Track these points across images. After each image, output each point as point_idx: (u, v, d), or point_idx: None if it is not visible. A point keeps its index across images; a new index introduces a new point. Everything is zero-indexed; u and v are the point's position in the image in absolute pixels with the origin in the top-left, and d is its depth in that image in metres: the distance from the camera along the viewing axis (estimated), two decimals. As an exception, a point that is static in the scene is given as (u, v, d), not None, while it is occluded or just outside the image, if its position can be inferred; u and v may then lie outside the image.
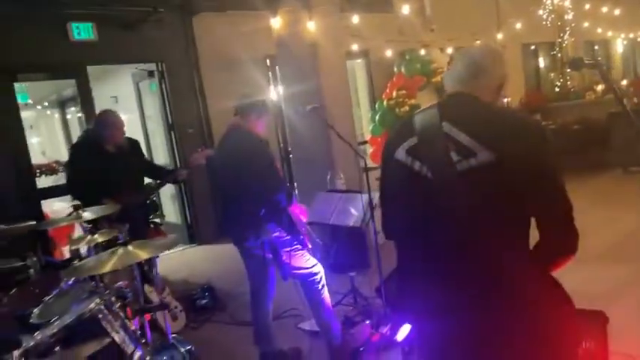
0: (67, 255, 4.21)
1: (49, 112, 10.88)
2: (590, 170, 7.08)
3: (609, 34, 13.28)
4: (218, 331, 3.82)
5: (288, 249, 2.78)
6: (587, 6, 10.55)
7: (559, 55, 10.58)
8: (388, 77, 8.30)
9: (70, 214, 2.66)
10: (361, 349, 3.04)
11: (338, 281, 3.82)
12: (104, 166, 3.56)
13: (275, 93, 6.99)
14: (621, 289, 3.26)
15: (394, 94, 8.05)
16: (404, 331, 3.03)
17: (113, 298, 2.01)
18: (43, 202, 5.45)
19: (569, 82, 10.25)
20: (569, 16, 10.13)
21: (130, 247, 1.93)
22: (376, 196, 3.53)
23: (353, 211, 3.52)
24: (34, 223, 3.07)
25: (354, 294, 3.73)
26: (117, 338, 1.87)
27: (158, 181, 4.03)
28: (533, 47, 12.01)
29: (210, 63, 6.52)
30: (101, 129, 3.67)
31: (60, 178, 6.57)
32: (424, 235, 1.45)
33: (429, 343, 1.59)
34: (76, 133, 11.09)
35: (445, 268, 1.40)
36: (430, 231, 1.43)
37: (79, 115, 10.49)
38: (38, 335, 1.81)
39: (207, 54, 6.52)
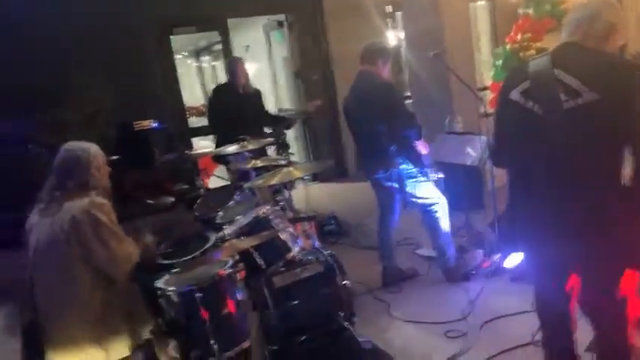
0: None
1: (188, 61, 12.07)
2: None
3: None
4: (343, 252, 4.37)
5: (413, 180, 3.20)
6: None
7: None
8: (512, 21, 7.98)
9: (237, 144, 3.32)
10: (472, 272, 3.41)
11: (453, 216, 4.15)
12: (234, 107, 4.27)
13: (395, 39, 7.19)
14: None
15: (519, 37, 7.76)
16: (513, 259, 3.34)
17: (277, 207, 2.60)
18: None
19: None
20: None
21: (290, 168, 2.48)
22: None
23: (471, 151, 3.78)
24: (212, 150, 3.79)
25: (468, 228, 4.05)
26: (282, 235, 2.46)
27: (274, 129, 4.63)
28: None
29: (334, 12, 6.86)
30: (231, 73, 4.38)
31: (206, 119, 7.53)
32: (533, 165, 1.74)
33: (537, 265, 1.89)
34: (209, 80, 12.26)
35: (552, 191, 1.69)
36: (538, 161, 1.72)
37: (214, 63, 11.54)
38: (228, 229, 2.46)
39: (332, 3, 6.86)
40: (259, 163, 3.13)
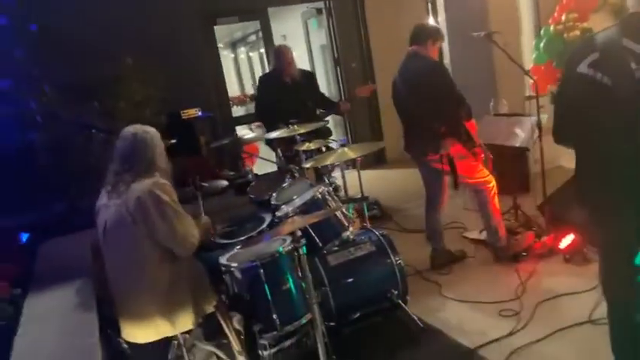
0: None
1: (225, 52, 12.25)
2: None
3: None
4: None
5: (464, 160, 3.19)
6: None
7: None
8: (555, 2, 7.76)
9: (287, 128, 3.40)
10: (524, 253, 3.39)
11: (500, 200, 4.13)
12: (280, 96, 4.31)
13: (434, 23, 7.11)
14: None
15: (563, 17, 7.54)
16: (566, 240, 3.31)
17: (331, 188, 2.66)
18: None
19: None
20: None
21: (345, 149, 2.54)
22: (543, 118, 3.71)
23: (519, 132, 3.73)
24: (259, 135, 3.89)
25: (515, 210, 4.01)
26: (338, 214, 2.52)
27: (323, 111, 4.66)
28: None
29: (374, -1, 6.84)
30: (278, 63, 4.40)
31: (249, 108, 7.67)
32: (604, 138, 1.73)
33: (607, 236, 1.88)
34: (245, 70, 12.40)
35: (624, 160, 1.68)
36: (611, 132, 1.71)
37: (250, 54, 11.67)
38: (285, 208, 2.53)
39: (371, -12, 6.84)
40: (312, 145, 3.20)
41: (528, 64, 8.16)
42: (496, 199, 3.37)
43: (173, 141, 3.18)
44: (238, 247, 2.49)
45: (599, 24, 7.88)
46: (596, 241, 2.42)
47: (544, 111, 3.80)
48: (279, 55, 4.46)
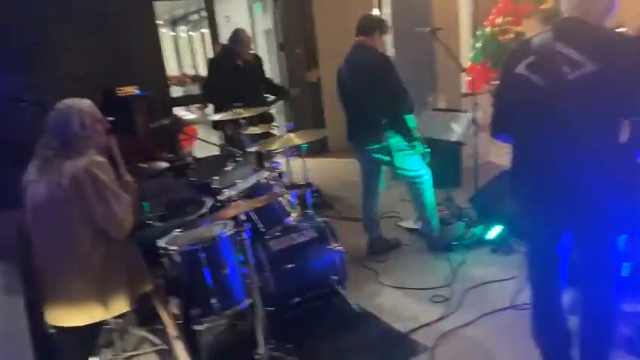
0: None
1: (164, 30, 11.79)
2: None
3: None
4: (328, 223, 4.51)
5: (402, 152, 3.29)
6: None
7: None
8: (493, 4, 8.12)
9: (233, 112, 3.34)
10: (455, 242, 3.56)
11: (435, 192, 4.29)
12: (233, 78, 4.24)
13: (379, 14, 7.22)
14: None
15: (498, 20, 7.91)
16: (494, 231, 3.51)
17: (275, 173, 2.66)
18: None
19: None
20: None
21: (292, 135, 2.53)
22: (478, 115, 3.89)
23: (456, 127, 3.89)
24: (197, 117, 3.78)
25: (449, 202, 4.19)
26: (281, 200, 2.52)
27: (274, 97, 4.64)
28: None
29: (319, -15, 6.83)
30: (235, 45, 4.31)
31: (188, 89, 7.44)
32: (536, 133, 1.85)
33: (534, 226, 2.02)
34: (185, 50, 12.01)
35: (554, 156, 1.80)
36: (543, 130, 1.83)
37: (191, 33, 11.31)
38: (228, 192, 2.50)
39: (317, -24, 6.81)
40: (257, 130, 3.17)
41: (465, 63, 8.49)
42: (431, 191, 3.50)
43: (110, 119, 3.03)
44: (178, 230, 2.43)
45: (531, 29, 8.35)
46: (522, 232, 2.59)
47: (479, 108, 3.98)
48: (240, 39, 4.36)
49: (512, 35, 7.73)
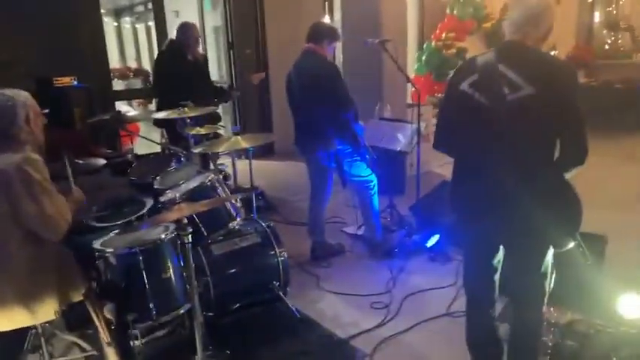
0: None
1: (106, 19, 11.28)
2: (624, 131, 7.32)
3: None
4: (272, 227, 4.48)
5: (350, 160, 3.34)
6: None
7: (615, 12, 10.40)
8: (439, 19, 8.42)
9: (178, 110, 3.24)
10: (396, 250, 3.65)
11: (379, 199, 4.38)
12: (185, 72, 4.14)
13: (330, 21, 7.29)
14: (623, 229, 3.62)
15: (443, 36, 8.22)
16: (433, 240, 3.63)
17: (220, 176, 2.60)
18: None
19: (620, 41, 10.15)
20: (632, -27, 9.87)
21: (239, 137, 2.49)
22: (422, 126, 4.01)
23: (401, 137, 4.00)
24: (139, 114, 3.65)
25: (391, 210, 4.29)
26: (226, 203, 2.48)
27: (215, 100, 4.56)
28: (590, 0, 11.71)
29: (272, -12, 6.80)
30: (185, 38, 4.21)
31: (131, 83, 7.16)
32: (477, 149, 1.93)
33: (470, 238, 2.10)
34: (129, 42, 11.57)
35: (491, 171, 1.89)
36: (482, 146, 1.91)
37: (136, 25, 10.91)
38: (170, 193, 2.43)
39: (270, -22, 6.78)
40: (202, 130, 3.09)
41: (411, 74, 8.73)
42: (376, 197, 3.58)
43: (46, 111, 2.86)
44: (115, 231, 2.33)
45: (473, 45, 8.73)
46: (460, 242, 2.69)
47: (423, 119, 4.11)
48: (187, 31, 4.26)
49: (454, 50, 8.08)
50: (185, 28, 4.30)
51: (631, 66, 9.13)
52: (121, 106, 6.69)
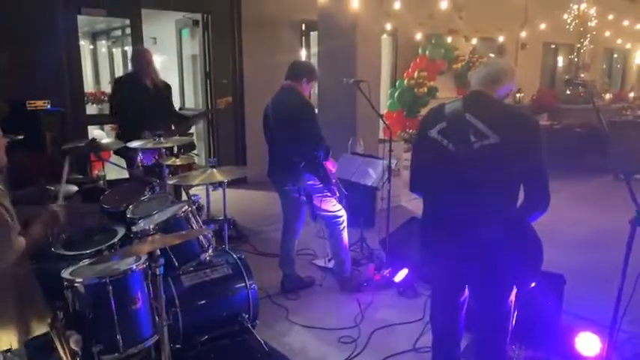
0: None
1: (82, 42, 11.22)
2: (584, 173, 7.68)
3: (628, 45, 13.64)
4: (242, 258, 4.47)
5: (320, 195, 3.41)
6: (611, 16, 10.91)
7: (576, 59, 11.02)
8: (411, 58, 8.74)
9: (151, 140, 3.26)
10: (365, 284, 3.70)
11: (348, 232, 4.45)
12: (141, 99, 4.16)
13: (306, 57, 7.47)
14: (583, 270, 3.82)
15: (415, 74, 8.53)
16: (401, 274, 3.69)
17: (194, 207, 2.63)
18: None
19: (580, 88, 10.69)
20: (592, 24, 10.52)
21: (214, 170, 2.53)
22: (393, 163, 4.13)
23: (372, 173, 4.10)
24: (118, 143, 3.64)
25: (362, 243, 4.36)
26: (199, 236, 2.49)
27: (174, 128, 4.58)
28: (553, 46, 12.38)
29: (251, 21, 6.94)
30: (135, 63, 4.26)
31: (104, 108, 7.11)
32: (444, 192, 2.03)
33: (438, 277, 2.17)
34: (104, 66, 11.51)
35: (457, 214, 1.98)
36: (449, 189, 2.01)
37: (113, 50, 10.89)
38: (143, 223, 2.43)
39: (250, 12, 6.94)
40: (178, 161, 3.12)
41: (383, 110, 8.97)
42: (345, 232, 3.64)
43: (20, 137, 2.85)
44: (85, 260, 2.32)
45: (444, 85, 9.07)
46: (428, 279, 2.77)
47: (394, 155, 4.23)
48: (137, 57, 4.30)
49: (425, 89, 8.39)
50: (135, 54, 4.35)
51: (590, 111, 9.59)
52: (93, 131, 6.65)
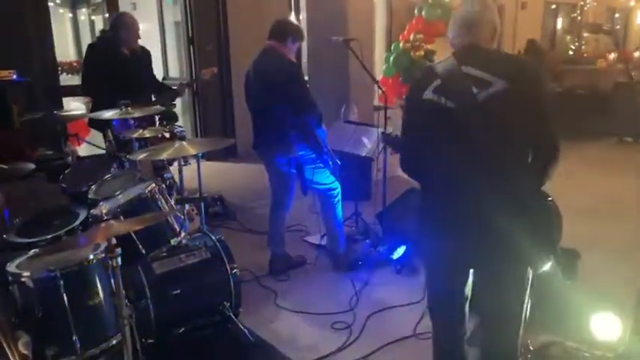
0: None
1: (61, 10, 10.69)
2: (588, 136, 7.34)
3: (632, 3, 13.16)
4: (230, 236, 4.12)
5: (312, 166, 3.10)
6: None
7: (579, 18, 10.55)
8: (408, 20, 8.28)
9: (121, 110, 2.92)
10: (360, 262, 3.43)
11: (344, 205, 4.16)
12: (119, 68, 3.79)
13: (295, 19, 7.04)
14: (592, 241, 3.52)
15: (411, 37, 8.08)
16: (399, 251, 3.42)
17: (163, 185, 2.31)
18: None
19: (583, 47, 10.30)
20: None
21: (184, 143, 2.21)
22: (389, 130, 3.80)
23: (366, 142, 3.78)
24: (85, 113, 3.30)
25: (357, 218, 4.08)
26: (169, 218, 2.19)
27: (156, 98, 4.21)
28: (554, 6, 11.88)
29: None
30: (118, 30, 3.87)
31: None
32: (447, 160, 1.73)
33: (437, 259, 1.89)
34: (85, 35, 11.01)
35: (462, 184, 1.68)
36: (452, 156, 1.71)
37: (93, 17, 10.39)
38: (106, 205, 2.12)
39: (234, -28, 6.48)
40: (146, 133, 2.78)
41: (378, 76, 8.59)
42: (340, 206, 3.35)
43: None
44: (35, 250, 2.02)
45: (441, 47, 8.64)
46: (425, 258, 2.49)
47: (390, 123, 3.91)
48: (126, 25, 3.86)
49: (422, 52, 7.96)
50: (122, 21, 3.91)
51: (592, 72, 9.24)
52: (70, 103, 6.26)
